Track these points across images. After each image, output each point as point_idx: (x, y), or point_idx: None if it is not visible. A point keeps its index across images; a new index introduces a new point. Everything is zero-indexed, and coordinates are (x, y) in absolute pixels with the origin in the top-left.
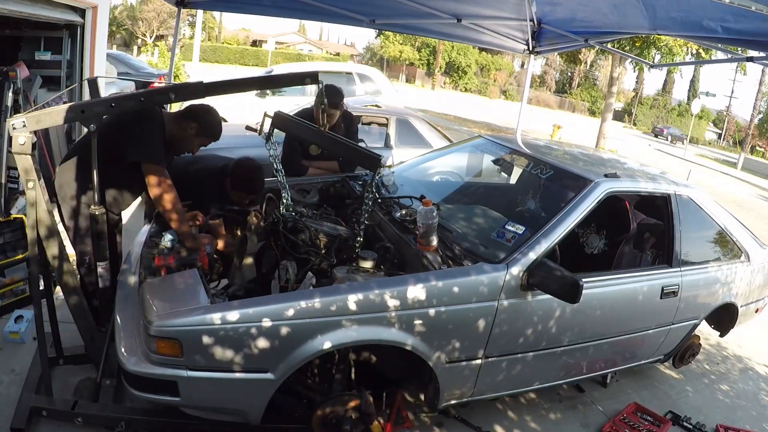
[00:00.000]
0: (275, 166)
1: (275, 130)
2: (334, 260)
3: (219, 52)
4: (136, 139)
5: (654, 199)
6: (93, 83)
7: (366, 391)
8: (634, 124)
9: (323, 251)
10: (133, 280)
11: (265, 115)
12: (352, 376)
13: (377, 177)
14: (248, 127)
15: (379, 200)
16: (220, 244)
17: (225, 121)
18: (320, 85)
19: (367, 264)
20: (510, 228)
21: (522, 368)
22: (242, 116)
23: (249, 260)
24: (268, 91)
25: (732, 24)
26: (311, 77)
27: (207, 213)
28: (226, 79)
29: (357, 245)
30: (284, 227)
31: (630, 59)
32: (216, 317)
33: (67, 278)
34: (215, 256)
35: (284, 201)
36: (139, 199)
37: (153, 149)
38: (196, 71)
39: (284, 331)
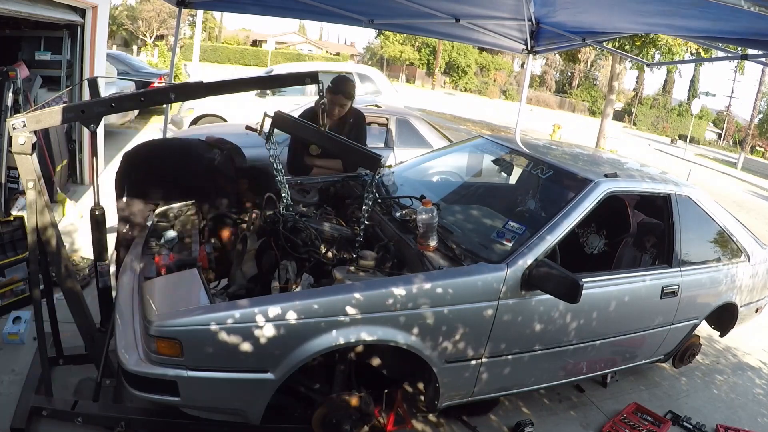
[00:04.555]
0: (275, 166)
1: (275, 130)
2: (334, 260)
3: (219, 52)
4: None
5: (654, 199)
6: (93, 83)
7: (366, 391)
8: (634, 124)
9: (323, 251)
10: (133, 280)
11: (265, 115)
12: (352, 376)
13: (377, 177)
14: (248, 127)
15: (379, 200)
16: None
17: (225, 120)
18: (320, 86)
19: (367, 264)
20: (510, 228)
21: (522, 368)
22: (242, 116)
23: (249, 259)
24: (268, 91)
25: (726, 23)
26: (311, 77)
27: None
28: (226, 79)
29: (357, 245)
30: (284, 227)
31: (629, 59)
32: (216, 317)
33: (67, 278)
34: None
35: (284, 200)
36: None
37: None
38: (196, 71)
39: (284, 330)
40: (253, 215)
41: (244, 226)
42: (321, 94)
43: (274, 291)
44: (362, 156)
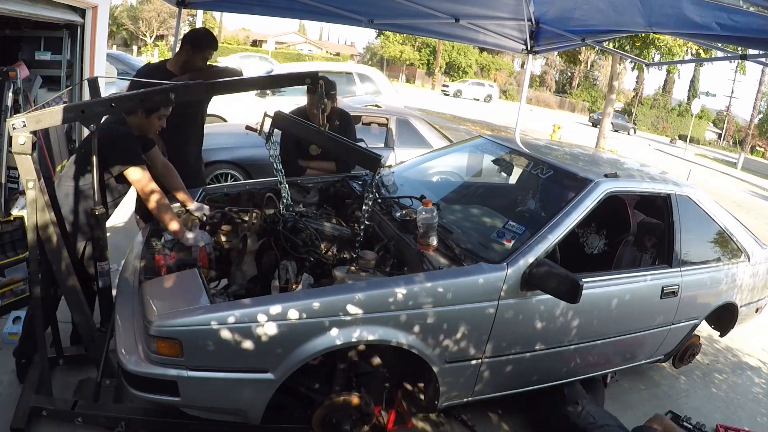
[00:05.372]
0: (275, 166)
1: (275, 130)
2: (334, 260)
3: (219, 52)
4: (113, 155)
5: (654, 199)
6: (93, 83)
7: (365, 391)
8: (634, 124)
9: (324, 251)
10: (133, 280)
11: (265, 114)
12: (353, 375)
13: (377, 177)
14: (248, 127)
15: (380, 200)
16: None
17: (225, 121)
18: (320, 86)
19: (367, 264)
20: (510, 228)
21: (522, 368)
22: (243, 116)
23: (249, 259)
24: (267, 91)
25: (727, 21)
26: (311, 77)
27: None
28: (226, 79)
29: (357, 245)
30: (284, 227)
31: (629, 59)
32: (216, 317)
33: (67, 278)
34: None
35: (284, 201)
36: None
37: (128, 154)
38: None
39: (284, 330)
40: (254, 215)
41: (246, 225)
42: (322, 95)
43: (274, 291)
44: (362, 156)
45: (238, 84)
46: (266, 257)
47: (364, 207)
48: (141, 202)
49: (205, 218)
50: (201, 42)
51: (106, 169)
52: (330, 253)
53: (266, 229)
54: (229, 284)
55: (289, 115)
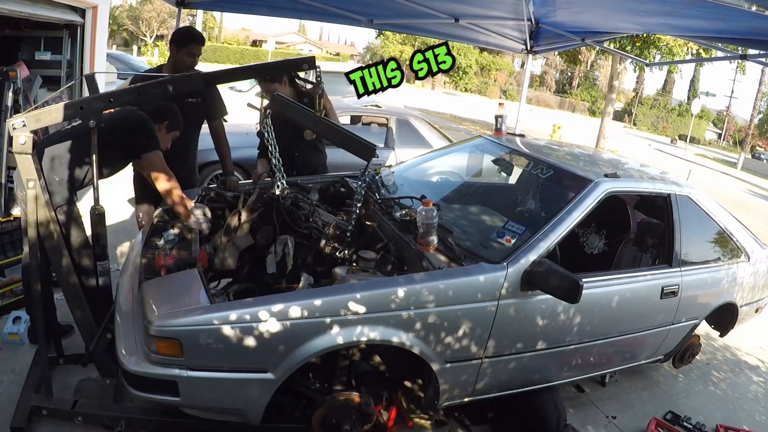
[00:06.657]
0: (270, 149)
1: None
2: (335, 241)
3: (219, 52)
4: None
5: (654, 199)
6: (91, 79)
7: (365, 391)
8: (634, 124)
9: (323, 229)
10: (133, 280)
11: (263, 96)
12: (352, 375)
13: (377, 176)
14: (250, 105)
15: (380, 200)
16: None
17: (225, 121)
18: (318, 70)
19: (368, 264)
20: (510, 228)
21: (522, 368)
22: (243, 117)
23: (243, 231)
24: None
25: (726, 23)
26: (308, 62)
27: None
28: (222, 69)
29: (348, 234)
30: (285, 201)
31: (630, 59)
32: (216, 317)
33: (67, 277)
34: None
35: (278, 184)
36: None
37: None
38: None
39: (284, 330)
40: (249, 193)
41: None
42: (318, 79)
43: (270, 265)
44: (357, 144)
45: (235, 73)
46: (263, 231)
47: (356, 197)
48: (143, 190)
49: (204, 228)
50: (181, 38)
51: (122, 151)
52: (329, 231)
53: (265, 202)
54: (229, 283)
55: (286, 98)
